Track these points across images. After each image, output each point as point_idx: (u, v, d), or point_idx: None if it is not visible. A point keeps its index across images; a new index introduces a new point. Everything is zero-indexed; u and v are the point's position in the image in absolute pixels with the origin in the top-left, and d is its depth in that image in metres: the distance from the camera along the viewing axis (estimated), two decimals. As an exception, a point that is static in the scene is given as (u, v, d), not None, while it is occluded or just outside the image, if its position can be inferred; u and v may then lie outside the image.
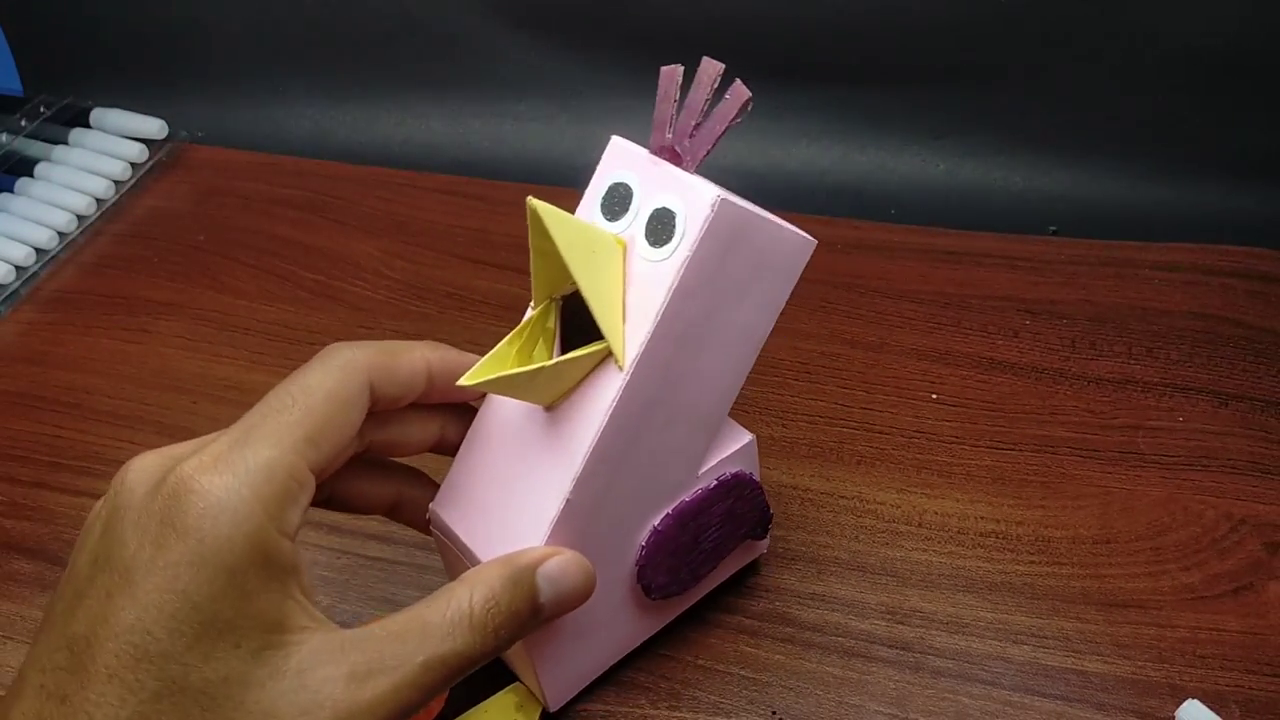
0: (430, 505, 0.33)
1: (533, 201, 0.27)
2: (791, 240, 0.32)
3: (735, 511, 0.35)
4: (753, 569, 0.39)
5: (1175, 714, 0.34)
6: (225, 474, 0.24)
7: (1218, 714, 0.34)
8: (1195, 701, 0.34)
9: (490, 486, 0.32)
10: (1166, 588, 0.38)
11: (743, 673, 0.36)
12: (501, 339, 0.29)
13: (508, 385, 0.28)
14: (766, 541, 0.38)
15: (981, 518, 0.41)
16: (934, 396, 0.46)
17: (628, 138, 0.31)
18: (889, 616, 0.38)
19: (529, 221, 0.27)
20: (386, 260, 0.55)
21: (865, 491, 0.42)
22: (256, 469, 0.25)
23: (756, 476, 0.35)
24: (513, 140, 0.65)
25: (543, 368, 0.28)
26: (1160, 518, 0.41)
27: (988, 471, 0.43)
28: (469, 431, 0.33)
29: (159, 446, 0.47)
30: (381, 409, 0.30)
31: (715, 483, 0.34)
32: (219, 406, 0.47)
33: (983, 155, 0.61)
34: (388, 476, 0.33)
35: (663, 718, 0.35)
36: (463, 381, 0.27)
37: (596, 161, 0.31)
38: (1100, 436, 0.44)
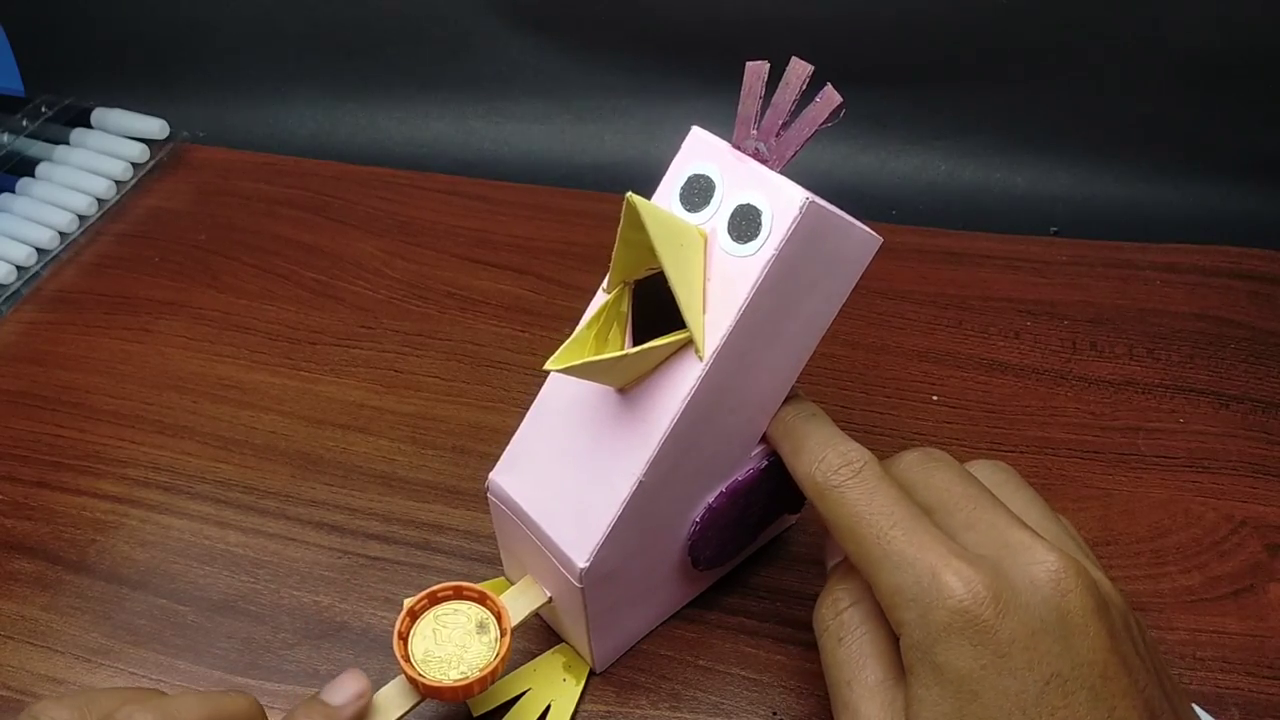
0: (490, 475, 0.34)
1: (631, 196, 0.27)
2: (861, 236, 0.32)
3: (780, 488, 0.36)
4: (754, 569, 0.39)
5: (1175, 715, 0.34)
6: None
7: (1217, 717, 0.34)
8: (1194, 706, 0.34)
9: (555, 461, 0.33)
10: (1167, 589, 0.38)
11: (743, 673, 0.36)
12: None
13: (590, 370, 0.29)
14: (798, 514, 0.40)
15: (982, 519, 0.41)
16: (934, 398, 0.46)
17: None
18: (889, 617, 0.38)
19: (623, 213, 0.28)
20: (387, 260, 0.55)
21: (865, 492, 0.42)
22: None
23: None
24: (513, 140, 0.65)
25: (626, 354, 0.29)
26: (1161, 519, 0.41)
27: (988, 472, 0.43)
28: (534, 403, 0.34)
29: (158, 445, 0.47)
30: None
31: (767, 462, 0.35)
32: (220, 406, 0.47)
33: (983, 156, 0.61)
34: None
35: (663, 718, 0.35)
36: (548, 366, 0.28)
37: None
38: (1101, 438, 0.44)
